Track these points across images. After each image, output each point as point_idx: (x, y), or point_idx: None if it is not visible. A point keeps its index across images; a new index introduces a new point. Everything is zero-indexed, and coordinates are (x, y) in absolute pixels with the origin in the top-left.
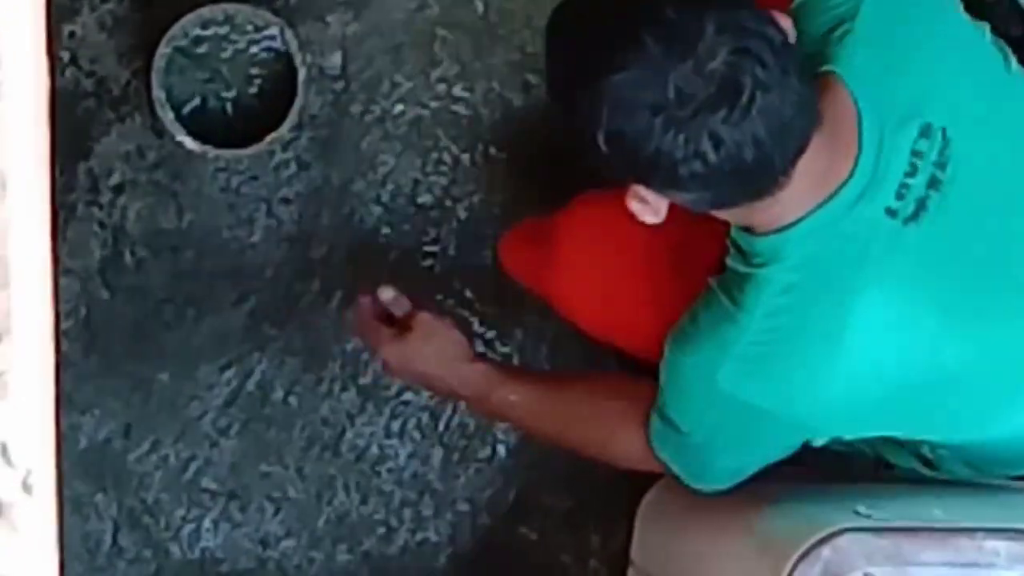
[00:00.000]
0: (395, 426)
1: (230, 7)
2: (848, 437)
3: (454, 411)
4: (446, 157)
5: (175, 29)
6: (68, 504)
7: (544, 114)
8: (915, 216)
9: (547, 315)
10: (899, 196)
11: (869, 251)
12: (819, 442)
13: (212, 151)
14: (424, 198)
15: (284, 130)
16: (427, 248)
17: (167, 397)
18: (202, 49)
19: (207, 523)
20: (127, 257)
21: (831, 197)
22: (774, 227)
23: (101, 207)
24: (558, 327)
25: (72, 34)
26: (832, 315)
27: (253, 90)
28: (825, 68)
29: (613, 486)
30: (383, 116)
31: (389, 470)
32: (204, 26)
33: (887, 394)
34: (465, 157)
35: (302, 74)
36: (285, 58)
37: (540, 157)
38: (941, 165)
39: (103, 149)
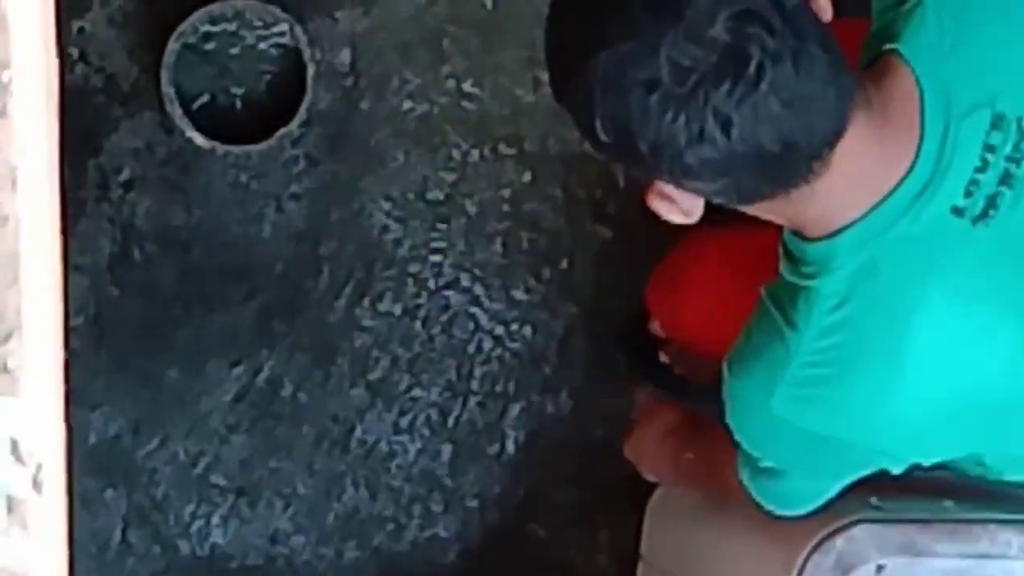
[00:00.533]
0: (404, 422)
1: (239, 3)
2: (926, 463)
3: (463, 407)
4: (455, 153)
5: (185, 25)
6: (78, 500)
7: (554, 111)
8: (984, 215)
9: (556, 312)
10: (967, 193)
11: (933, 255)
12: (897, 470)
13: (221, 147)
14: (433, 194)
15: (293, 126)
16: (436, 244)
17: (176, 393)
18: (211, 45)
19: (216, 519)
20: (136, 253)
21: (889, 195)
22: (826, 231)
23: (111, 203)
24: (566, 324)
25: (82, 30)
26: (893, 331)
27: (262, 86)
28: (887, 47)
29: (622, 482)
30: (392, 112)
31: (398, 466)
32: (213, 22)
33: (963, 414)
34: (474, 153)
35: (311, 70)
36: (294, 54)
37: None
38: (1016, 160)
39: (112, 145)
